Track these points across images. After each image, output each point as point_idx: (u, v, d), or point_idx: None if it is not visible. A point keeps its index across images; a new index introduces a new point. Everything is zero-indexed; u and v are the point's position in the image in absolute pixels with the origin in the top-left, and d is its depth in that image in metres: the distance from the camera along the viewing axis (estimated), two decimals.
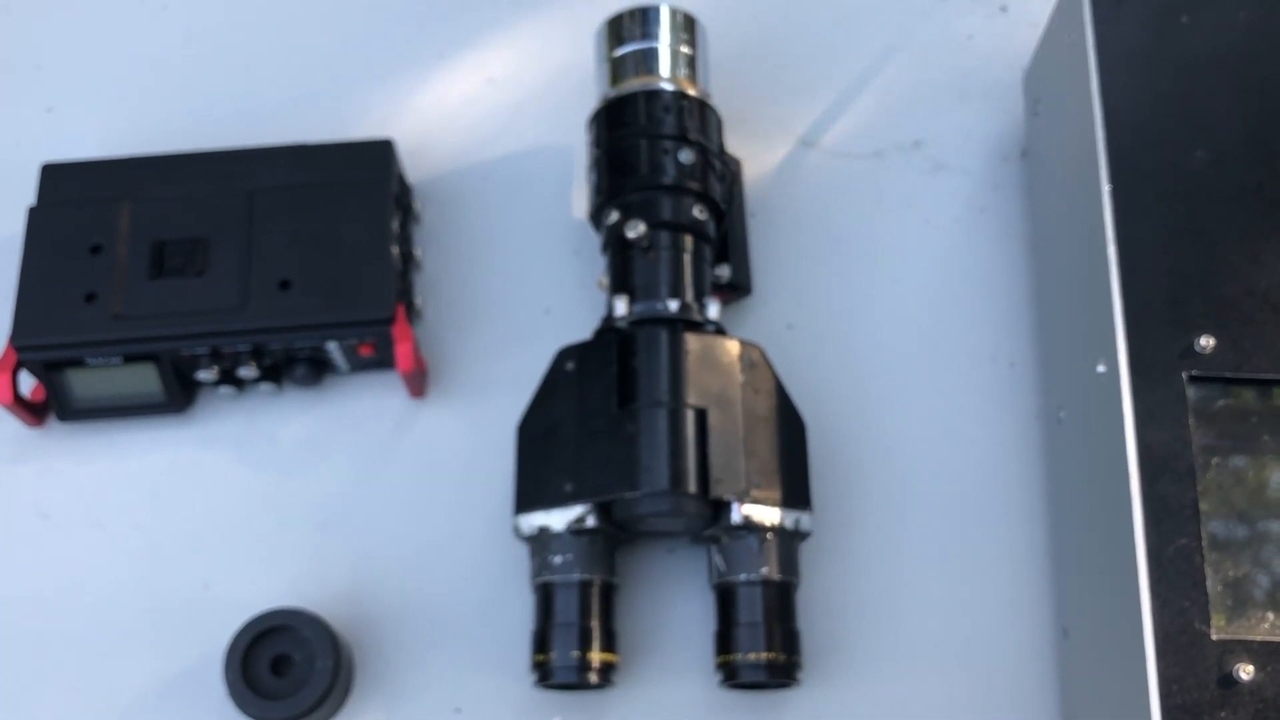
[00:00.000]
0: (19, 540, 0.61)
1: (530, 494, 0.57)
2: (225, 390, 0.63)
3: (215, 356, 0.61)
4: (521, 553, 0.59)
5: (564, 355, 0.59)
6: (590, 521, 0.55)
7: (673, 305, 0.58)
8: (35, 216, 0.63)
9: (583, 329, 0.64)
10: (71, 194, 0.64)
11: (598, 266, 0.66)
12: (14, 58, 0.74)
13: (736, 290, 0.64)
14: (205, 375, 0.62)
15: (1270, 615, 0.48)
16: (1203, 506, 0.49)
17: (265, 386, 0.63)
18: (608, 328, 0.60)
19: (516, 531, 0.57)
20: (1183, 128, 0.55)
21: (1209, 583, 0.48)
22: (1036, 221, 0.66)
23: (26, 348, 0.60)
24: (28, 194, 0.66)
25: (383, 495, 0.62)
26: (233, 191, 0.63)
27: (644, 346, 0.57)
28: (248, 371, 0.61)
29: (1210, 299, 0.52)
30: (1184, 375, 0.51)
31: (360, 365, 0.64)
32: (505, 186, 0.70)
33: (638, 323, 0.59)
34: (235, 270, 0.61)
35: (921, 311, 0.66)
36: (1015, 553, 0.61)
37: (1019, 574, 0.60)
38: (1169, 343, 0.51)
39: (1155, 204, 0.54)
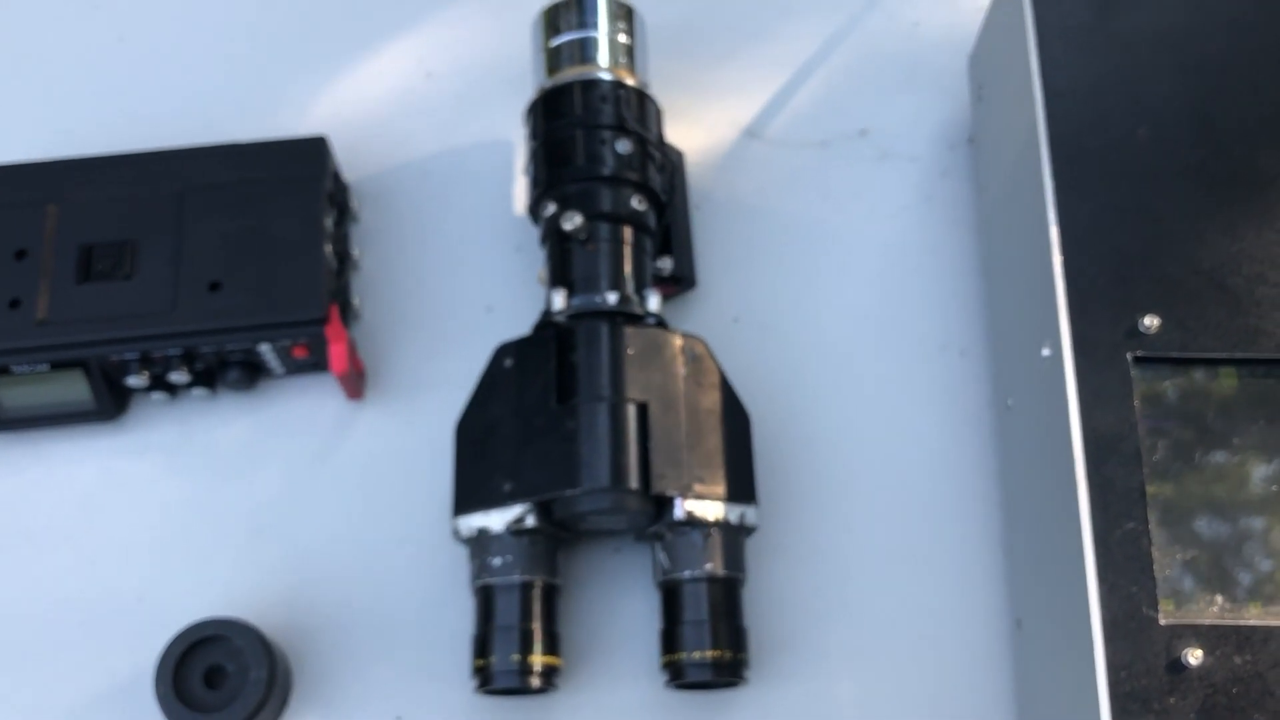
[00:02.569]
0: None
1: (469, 495, 0.56)
2: (158, 396, 0.61)
3: (145, 361, 0.59)
4: (462, 556, 0.58)
5: (502, 352, 0.58)
6: (530, 521, 0.54)
7: (612, 298, 0.57)
8: None
9: (525, 326, 0.63)
10: None
11: (539, 262, 0.65)
12: None
13: (680, 283, 0.63)
14: (135, 381, 0.60)
15: (1219, 598, 0.47)
16: (1150, 489, 0.48)
17: (198, 392, 0.62)
18: (546, 322, 0.58)
19: (455, 534, 0.56)
20: (1124, 107, 0.54)
21: (1157, 567, 0.47)
22: (984, 207, 0.65)
23: None
24: None
25: (319, 500, 0.61)
26: (162, 192, 0.62)
27: (583, 340, 0.56)
28: (179, 376, 0.60)
29: (1154, 279, 0.51)
30: (1129, 356, 0.50)
31: (295, 368, 0.62)
32: (445, 183, 0.69)
33: (577, 316, 0.57)
34: (165, 272, 0.60)
35: (870, 301, 0.65)
36: (967, 544, 0.59)
37: (971, 566, 0.59)
38: (1113, 324, 0.50)
39: (1097, 184, 0.53)
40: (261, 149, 0.63)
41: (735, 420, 0.57)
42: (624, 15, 0.64)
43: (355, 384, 0.61)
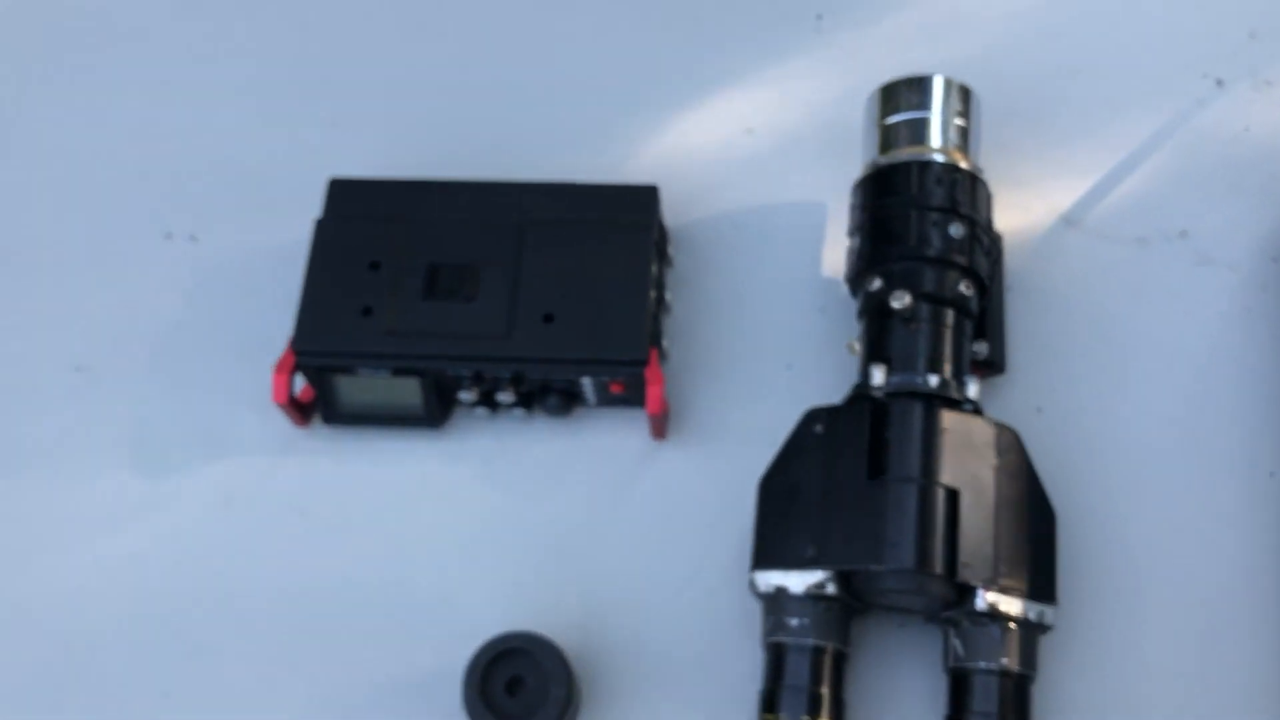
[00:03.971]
0: (277, 533, 0.65)
1: (770, 552, 0.58)
2: (480, 411, 0.66)
3: (477, 379, 0.64)
4: (748, 606, 0.60)
5: (813, 417, 0.60)
6: (830, 588, 0.56)
7: (932, 380, 0.58)
8: (322, 229, 0.67)
9: (823, 387, 0.65)
10: (355, 210, 0.67)
11: (843, 326, 0.67)
12: (305, 71, 0.78)
13: (990, 368, 0.64)
14: (466, 396, 0.64)
15: None
16: None
17: (518, 411, 0.66)
18: (861, 395, 0.60)
19: (752, 587, 0.58)
20: None
21: None
22: None
23: (305, 353, 0.63)
24: (309, 204, 0.70)
25: (619, 531, 0.64)
26: (505, 222, 0.66)
27: (898, 419, 0.57)
28: (505, 397, 0.64)
29: None
30: None
31: (608, 400, 0.65)
32: (757, 237, 0.71)
33: (893, 394, 0.59)
34: (503, 299, 0.64)
35: (1177, 407, 0.64)
36: (1260, 670, 0.58)
37: (1260, 691, 0.58)
38: None
39: None
40: (597, 191, 0.67)
41: (1041, 515, 0.58)
42: (962, 98, 0.65)
43: (662, 424, 0.64)
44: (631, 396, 0.64)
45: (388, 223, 0.67)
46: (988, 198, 0.64)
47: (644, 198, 0.67)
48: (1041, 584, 0.56)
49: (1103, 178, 0.71)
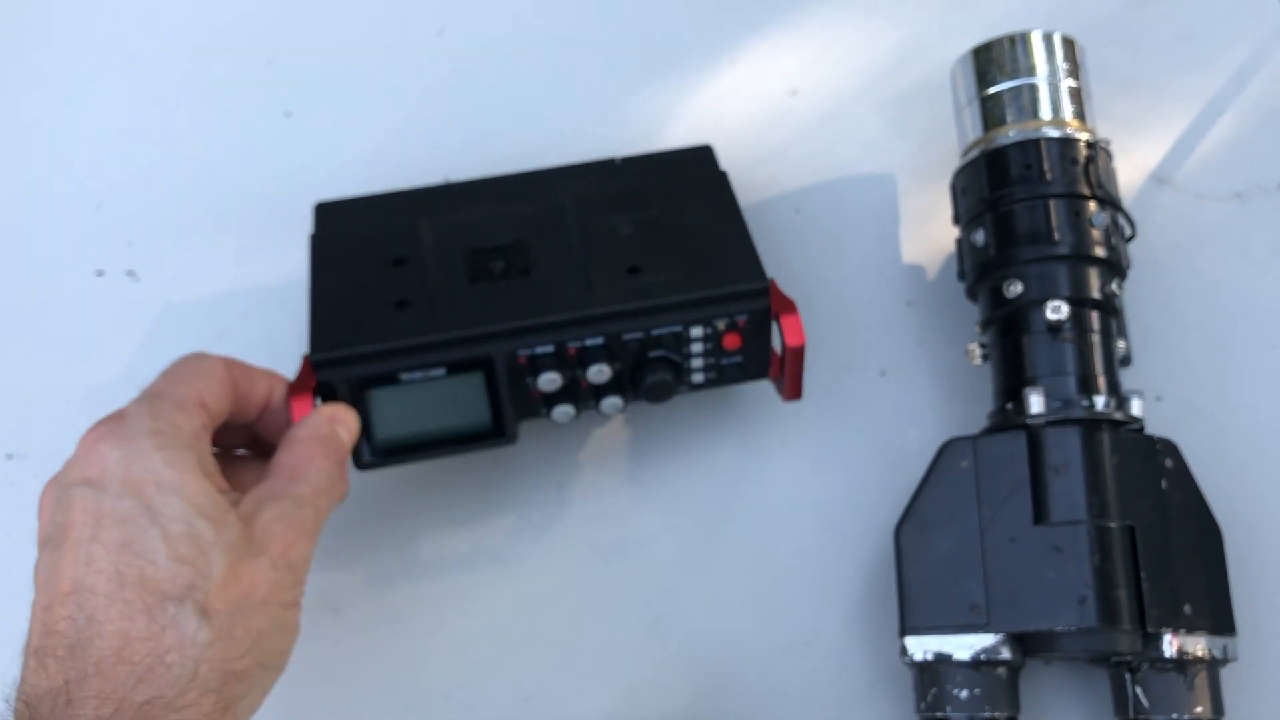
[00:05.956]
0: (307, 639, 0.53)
1: (923, 614, 0.50)
2: (560, 412, 0.52)
3: (559, 357, 0.50)
4: (885, 674, 0.53)
5: (956, 451, 0.52)
6: (1005, 653, 0.49)
7: (1099, 402, 0.51)
8: (320, 242, 0.53)
9: (927, 395, 0.58)
10: (356, 226, 0.54)
11: (938, 321, 0.59)
12: (250, 54, 0.64)
13: (1123, 364, 0.56)
14: (548, 380, 0.50)
15: None
16: None
17: (609, 403, 0.52)
18: (1010, 424, 0.52)
19: (903, 654, 0.50)
20: None
21: None
22: None
23: (329, 362, 0.48)
24: (276, 223, 0.58)
25: (717, 586, 0.55)
26: (549, 204, 0.54)
27: (1058, 451, 0.50)
28: (598, 373, 0.50)
29: None
30: None
31: (716, 375, 0.53)
32: (821, 220, 0.62)
33: (1050, 421, 0.51)
34: (569, 265, 0.51)
35: None
36: None
37: None
38: None
39: None
40: (649, 161, 0.57)
41: (1209, 535, 0.52)
42: (1070, 54, 0.56)
43: (798, 374, 0.52)
44: (748, 353, 0.52)
45: (404, 222, 0.54)
46: (1114, 170, 0.55)
47: (701, 156, 0.57)
48: (1221, 614, 0.50)
49: (1189, 126, 0.64)
